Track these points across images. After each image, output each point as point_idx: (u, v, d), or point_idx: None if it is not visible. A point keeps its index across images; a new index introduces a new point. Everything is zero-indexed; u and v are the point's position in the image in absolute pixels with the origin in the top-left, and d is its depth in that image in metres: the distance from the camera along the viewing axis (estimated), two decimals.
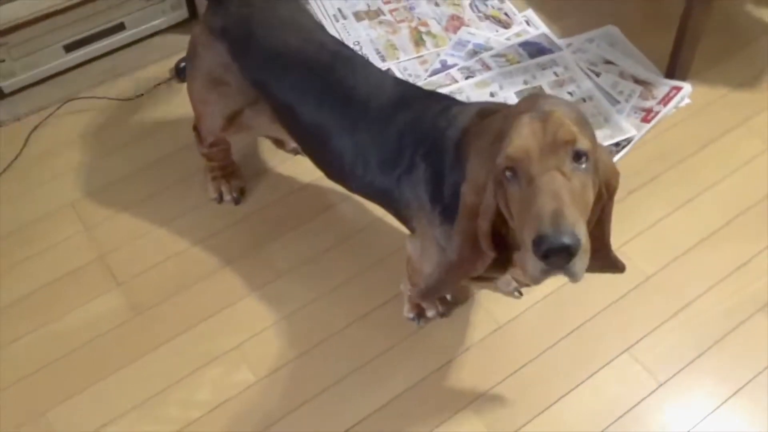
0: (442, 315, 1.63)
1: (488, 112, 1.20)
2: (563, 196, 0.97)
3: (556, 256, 0.95)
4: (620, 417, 1.51)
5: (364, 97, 1.35)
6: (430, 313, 1.63)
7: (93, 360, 1.58)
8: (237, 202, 1.82)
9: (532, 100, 1.07)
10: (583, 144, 1.00)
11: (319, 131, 1.39)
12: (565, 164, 1.00)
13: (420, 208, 1.30)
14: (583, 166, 1.01)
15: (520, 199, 1.01)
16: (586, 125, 1.06)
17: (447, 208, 1.23)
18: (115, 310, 1.64)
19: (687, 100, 2.04)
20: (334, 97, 1.37)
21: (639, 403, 1.53)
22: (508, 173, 1.01)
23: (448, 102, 1.31)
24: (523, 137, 1.00)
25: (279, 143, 1.90)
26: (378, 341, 1.60)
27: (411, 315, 1.62)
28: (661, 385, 1.55)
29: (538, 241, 0.94)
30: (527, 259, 0.99)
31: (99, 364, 1.57)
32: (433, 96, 1.36)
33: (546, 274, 0.99)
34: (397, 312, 1.64)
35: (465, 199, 1.13)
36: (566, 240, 0.93)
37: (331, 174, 1.49)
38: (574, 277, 0.99)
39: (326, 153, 1.42)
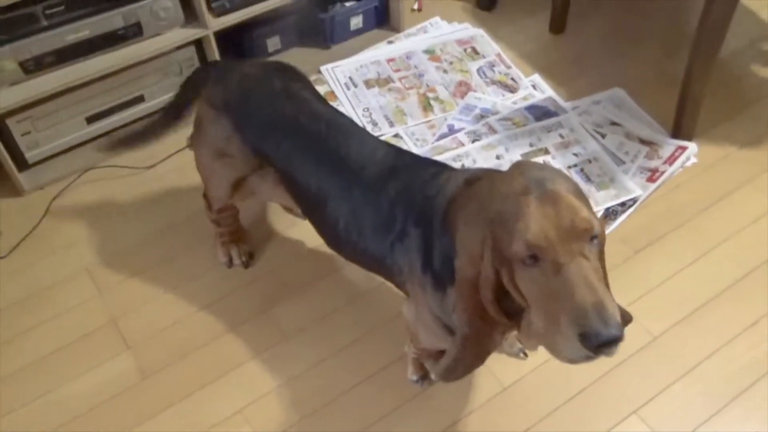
0: None
1: (474, 180, 1.22)
2: (597, 285, 1.00)
3: (606, 347, 0.98)
4: None
5: (358, 165, 1.38)
6: (434, 376, 1.63)
7: (101, 424, 1.60)
8: (246, 265, 1.86)
9: (520, 170, 1.08)
10: (597, 227, 1.03)
11: (316, 198, 1.43)
12: (586, 248, 1.03)
13: (412, 274, 1.31)
14: (595, 242, 1.04)
15: (544, 286, 1.02)
16: (583, 196, 1.09)
17: (437, 274, 1.25)
18: (124, 373, 1.67)
19: (693, 160, 2.05)
20: (329, 165, 1.41)
21: None
22: (528, 260, 1.02)
23: (437, 169, 1.34)
24: (539, 223, 1.01)
25: (288, 207, 1.95)
26: (382, 403, 1.60)
27: (415, 377, 1.63)
28: None
29: (589, 336, 0.97)
30: (563, 345, 1.01)
31: (106, 428, 1.59)
32: (423, 163, 1.39)
33: (589, 359, 1.01)
34: (401, 374, 1.64)
35: (462, 273, 1.12)
36: (616, 332, 0.97)
37: (328, 239, 1.52)
38: (611, 356, 1.00)
39: (323, 219, 1.46)
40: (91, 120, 2.11)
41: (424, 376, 1.62)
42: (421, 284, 1.30)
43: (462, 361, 1.21)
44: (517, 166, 1.12)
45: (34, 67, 1.91)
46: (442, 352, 1.62)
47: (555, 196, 1.03)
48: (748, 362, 1.63)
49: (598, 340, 0.96)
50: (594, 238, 1.03)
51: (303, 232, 1.91)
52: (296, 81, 1.56)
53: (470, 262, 1.10)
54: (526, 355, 1.66)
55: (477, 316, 1.13)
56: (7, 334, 1.75)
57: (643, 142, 2.09)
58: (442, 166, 1.36)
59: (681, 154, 2.04)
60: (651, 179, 1.99)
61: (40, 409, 1.63)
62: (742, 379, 1.60)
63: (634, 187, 1.96)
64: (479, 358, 1.22)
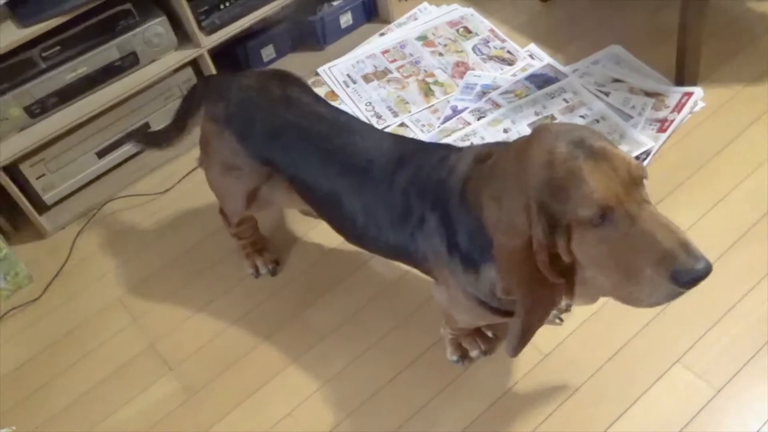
0: (485, 353, 1.64)
1: (484, 156, 1.23)
2: (672, 224, 1.02)
3: (699, 281, 1.00)
4: (680, 431, 1.48)
5: (365, 160, 1.39)
6: (473, 353, 1.64)
7: None
8: (273, 273, 1.88)
9: (553, 134, 1.07)
10: (646, 169, 1.05)
11: (330, 199, 1.44)
12: (644, 194, 1.05)
13: (438, 258, 1.32)
14: (644, 184, 1.06)
15: (618, 241, 1.02)
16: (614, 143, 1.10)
17: (466, 255, 1.25)
18: (170, 394, 1.70)
19: (701, 104, 2.04)
20: (337, 165, 1.42)
21: (698, 413, 1.49)
22: (596, 220, 1.02)
23: (444, 152, 1.34)
24: (603, 182, 1.01)
25: (306, 211, 1.96)
26: (426, 388, 1.62)
27: (455, 357, 1.64)
28: (719, 391, 1.52)
29: (683, 274, 0.99)
30: (649, 291, 1.03)
31: None
32: (429, 148, 1.39)
33: (678, 297, 1.04)
34: (441, 356, 1.65)
35: (506, 247, 1.11)
36: (707, 263, 0.99)
37: (348, 237, 1.53)
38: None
39: (340, 218, 1.47)
40: (101, 154, 2.14)
41: (463, 356, 1.63)
42: (449, 268, 1.31)
43: (530, 330, 1.20)
44: (546, 131, 1.10)
45: (39, 110, 1.94)
46: (478, 330, 1.63)
47: (604, 152, 1.03)
48: None
49: (692, 275, 0.99)
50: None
51: (324, 233, 1.92)
52: (294, 86, 1.57)
53: (514, 234, 1.09)
54: (561, 320, 1.66)
55: (535, 284, 1.13)
56: (52, 372, 1.79)
57: (648, 94, 2.08)
58: (449, 148, 1.36)
59: (688, 100, 2.03)
60: (661, 129, 1.98)
61: None
62: None
63: (646, 139, 1.96)
64: (542, 322, 1.21)
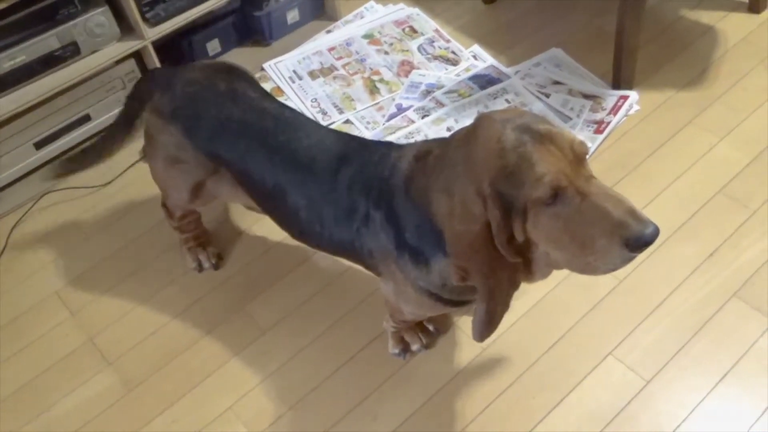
0: (426, 347, 1.67)
1: (424, 153, 1.25)
2: (617, 195, 1.07)
3: (649, 244, 1.05)
4: (611, 420, 1.53)
5: (309, 157, 1.40)
6: (414, 347, 1.66)
7: None
8: (216, 267, 1.87)
9: (501, 122, 1.10)
10: (588, 146, 1.10)
11: (274, 195, 1.45)
12: (589, 169, 1.10)
13: (385, 255, 1.33)
14: (587, 159, 1.11)
15: (571, 216, 1.06)
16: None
17: (415, 250, 1.27)
18: (108, 389, 1.68)
19: (636, 107, 2.11)
20: (281, 161, 1.42)
21: (629, 403, 1.55)
22: (549, 200, 1.06)
23: (384, 149, 1.36)
24: (553, 163, 1.05)
25: (250, 206, 1.96)
26: (367, 381, 1.64)
27: (396, 350, 1.66)
28: (648, 382, 1.58)
29: (635, 240, 1.04)
30: (605, 259, 1.07)
31: None
32: (371, 145, 1.40)
33: (631, 260, 1.08)
34: (383, 350, 1.67)
35: (464, 233, 1.13)
36: (655, 228, 1.04)
37: (292, 233, 1.53)
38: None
39: (284, 214, 1.48)
40: (39, 145, 2.09)
41: (405, 349, 1.66)
42: (398, 264, 1.32)
43: (495, 313, 1.22)
44: (489, 120, 1.12)
45: None
46: (420, 323, 1.66)
47: (550, 135, 1.07)
48: (710, 292, 1.70)
49: (643, 240, 1.03)
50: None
51: (268, 227, 1.92)
52: (240, 80, 1.57)
53: (470, 221, 1.12)
54: None
55: (494, 267, 1.16)
56: None
57: (586, 96, 2.14)
58: (389, 146, 1.38)
59: (623, 103, 2.10)
60: (598, 131, 2.05)
61: None
62: (705, 309, 1.67)
63: (583, 140, 2.01)
64: (506, 304, 1.23)
